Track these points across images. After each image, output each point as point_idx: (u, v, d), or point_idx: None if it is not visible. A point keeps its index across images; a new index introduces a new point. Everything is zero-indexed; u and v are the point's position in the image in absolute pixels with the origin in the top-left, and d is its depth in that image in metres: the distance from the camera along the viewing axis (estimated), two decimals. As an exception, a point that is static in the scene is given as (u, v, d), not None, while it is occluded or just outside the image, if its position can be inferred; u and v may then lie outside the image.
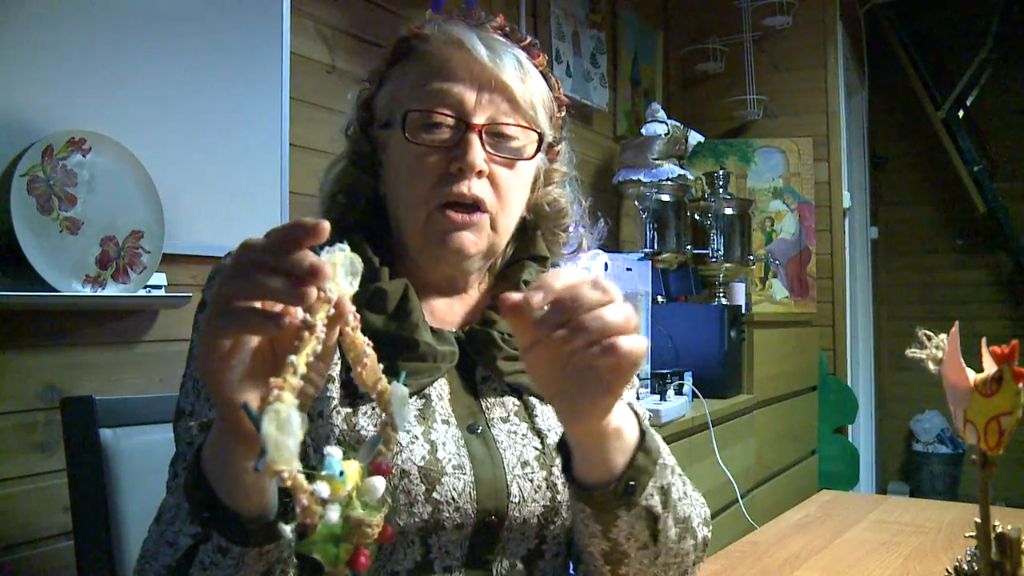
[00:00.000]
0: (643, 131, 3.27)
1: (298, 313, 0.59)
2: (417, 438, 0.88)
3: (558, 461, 0.92)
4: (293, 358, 0.56)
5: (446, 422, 0.92)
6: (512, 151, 0.96)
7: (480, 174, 0.93)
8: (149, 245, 1.63)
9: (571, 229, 1.09)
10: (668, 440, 2.24)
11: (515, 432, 0.95)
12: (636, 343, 0.69)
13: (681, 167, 3.26)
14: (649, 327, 2.52)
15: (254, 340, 0.63)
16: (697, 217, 3.37)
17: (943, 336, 0.69)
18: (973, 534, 0.70)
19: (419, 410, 0.91)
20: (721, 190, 3.40)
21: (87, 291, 1.53)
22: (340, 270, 0.60)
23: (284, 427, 0.54)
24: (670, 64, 4.09)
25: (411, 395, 0.91)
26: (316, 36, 2.15)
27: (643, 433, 0.81)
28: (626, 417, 0.80)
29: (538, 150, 0.98)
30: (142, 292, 1.63)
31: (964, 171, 4.81)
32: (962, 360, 0.66)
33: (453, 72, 0.93)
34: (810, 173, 3.83)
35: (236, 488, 0.68)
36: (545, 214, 1.06)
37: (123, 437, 1.12)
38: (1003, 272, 4.95)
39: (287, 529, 0.72)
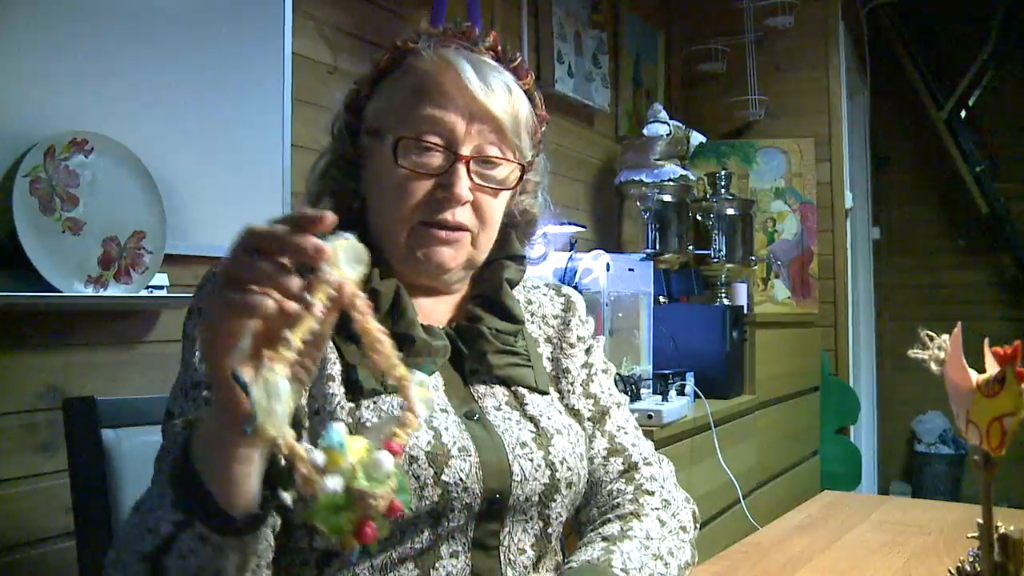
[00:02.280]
0: (645, 131, 3.27)
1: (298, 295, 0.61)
2: (421, 426, 0.91)
3: (555, 441, 0.99)
4: (288, 333, 0.59)
5: (444, 411, 0.96)
6: (496, 181, 1.01)
7: (464, 203, 0.97)
8: (151, 245, 1.63)
9: (539, 235, 1.15)
10: (670, 441, 2.24)
11: (509, 419, 1.00)
12: None
13: (683, 167, 3.26)
14: (651, 327, 2.52)
15: (255, 322, 0.64)
16: (699, 218, 3.37)
17: (945, 337, 0.69)
18: (975, 535, 0.70)
19: None
20: (723, 190, 3.40)
21: (89, 291, 1.53)
22: (342, 255, 0.61)
23: (273, 394, 0.57)
24: (672, 64, 4.09)
25: None
26: (318, 37, 2.15)
27: None
28: None
29: (520, 179, 1.03)
30: (144, 292, 1.63)
31: (966, 171, 4.81)
32: (964, 361, 0.66)
33: (445, 100, 0.97)
34: (812, 173, 3.83)
35: (224, 476, 0.69)
36: (516, 221, 1.11)
37: (125, 437, 1.12)
38: (1005, 272, 4.94)
39: (267, 530, 0.74)
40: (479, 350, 1.02)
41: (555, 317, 1.15)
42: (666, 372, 2.41)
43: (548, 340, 1.12)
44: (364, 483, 0.60)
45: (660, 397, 2.32)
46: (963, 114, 4.86)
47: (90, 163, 1.55)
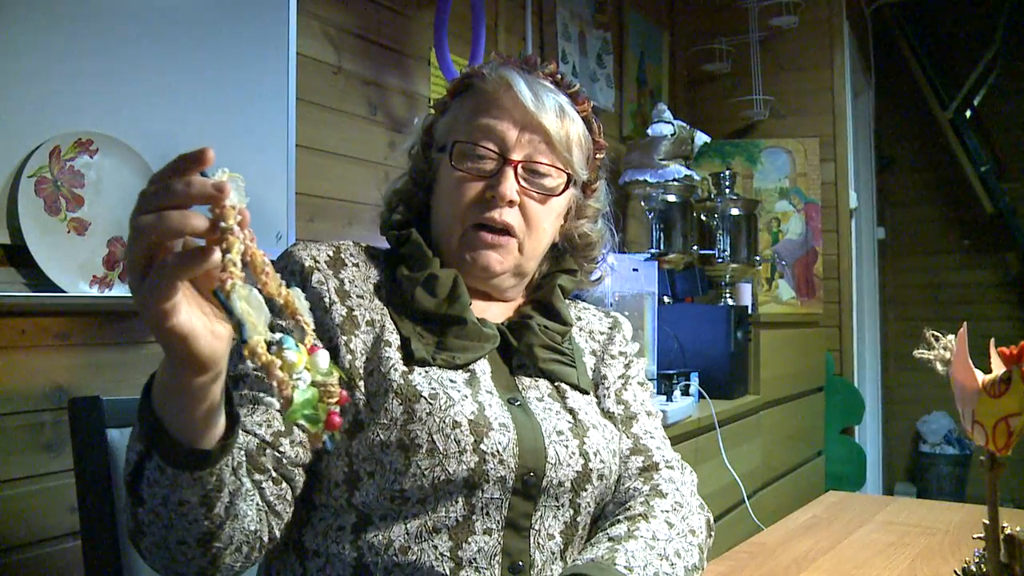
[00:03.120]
0: (649, 131, 3.27)
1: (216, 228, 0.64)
2: (467, 396, 0.99)
3: (590, 433, 1.05)
4: (229, 255, 0.63)
5: (489, 392, 1.02)
6: (543, 187, 1.09)
7: (511, 204, 1.06)
8: (156, 246, 1.63)
9: (599, 261, 1.23)
10: (674, 441, 2.24)
11: (550, 409, 1.05)
12: None
13: (687, 167, 3.25)
14: (655, 328, 2.52)
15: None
16: (703, 218, 3.36)
17: (951, 337, 0.69)
18: (981, 535, 0.70)
19: (466, 380, 1.02)
20: (727, 190, 3.40)
21: (94, 292, 1.54)
22: (232, 185, 0.64)
23: (252, 302, 0.63)
24: (676, 64, 4.09)
25: (458, 368, 1.02)
26: (323, 37, 2.15)
27: None
28: None
29: (566, 188, 1.10)
30: (149, 293, 1.63)
31: (971, 171, 4.80)
32: (970, 361, 0.66)
33: (500, 111, 1.07)
34: (816, 173, 3.82)
35: (175, 413, 0.74)
36: (575, 244, 1.19)
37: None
38: (1010, 272, 4.93)
39: (225, 470, 0.79)
40: (527, 343, 1.08)
41: (601, 333, 1.22)
42: (671, 372, 2.41)
43: (593, 353, 1.19)
44: (319, 377, 0.67)
45: (665, 397, 2.32)
46: (968, 114, 4.84)
47: (95, 163, 1.55)
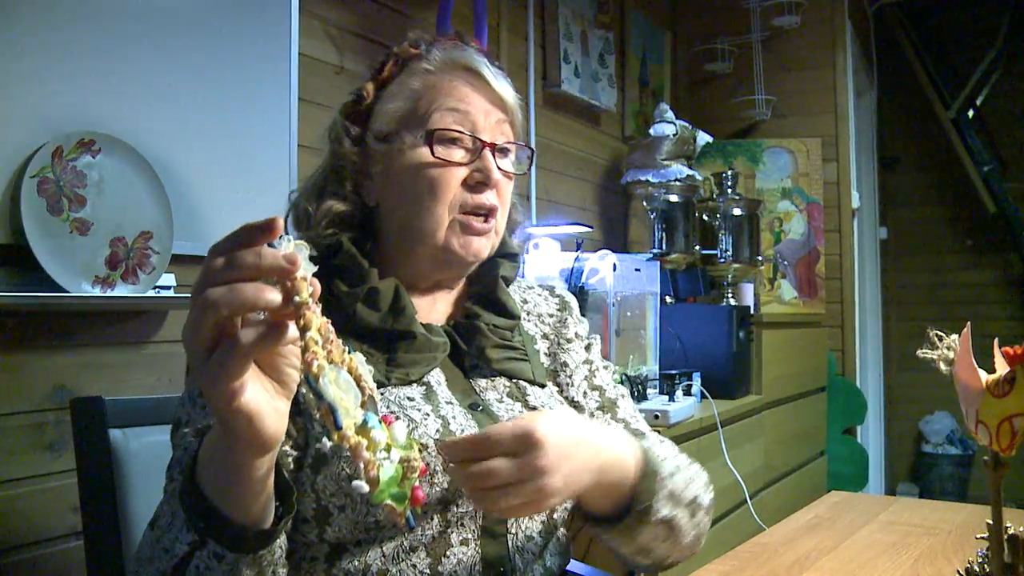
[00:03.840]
0: (651, 131, 3.27)
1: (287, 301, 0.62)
2: (428, 415, 0.95)
3: None
4: (310, 333, 0.60)
5: (449, 403, 0.99)
6: (514, 166, 1.07)
7: (495, 186, 1.03)
8: (158, 246, 1.63)
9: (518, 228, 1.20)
10: (676, 441, 2.23)
11: (512, 409, 1.03)
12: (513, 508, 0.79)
13: (689, 167, 3.26)
14: (658, 328, 2.52)
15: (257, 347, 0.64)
16: (705, 218, 3.36)
17: (954, 337, 0.69)
18: (984, 535, 0.70)
19: (423, 395, 0.98)
20: (729, 190, 3.40)
21: (96, 292, 1.54)
22: (301, 254, 0.63)
23: (341, 384, 0.61)
24: (678, 64, 4.09)
25: (412, 383, 0.99)
26: (324, 37, 2.15)
27: (645, 455, 0.91)
28: (618, 454, 0.90)
29: (531, 163, 1.10)
30: (151, 293, 1.63)
31: (974, 171, 4.79)
32: (974, 361, 0.66)
33: (468, 94, 1.03)
34: (819, 173, 3.82)
35: (236, 496, 0.71)
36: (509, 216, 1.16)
37: (132, 437, 1.13)
38: (1013, 272, 4.93)
39: (277, 542, 0.77)
40: (478, 345, 1.05)
41: (551, 316, 1.18)
42: (673, 372, 2.41)
43: (544, 337, 1.16)
44: (402, 452, 0.64)
45: (667, 397, 2.32)
46: (971, 113, 4.84)
47: (97, 163, 1.55)
